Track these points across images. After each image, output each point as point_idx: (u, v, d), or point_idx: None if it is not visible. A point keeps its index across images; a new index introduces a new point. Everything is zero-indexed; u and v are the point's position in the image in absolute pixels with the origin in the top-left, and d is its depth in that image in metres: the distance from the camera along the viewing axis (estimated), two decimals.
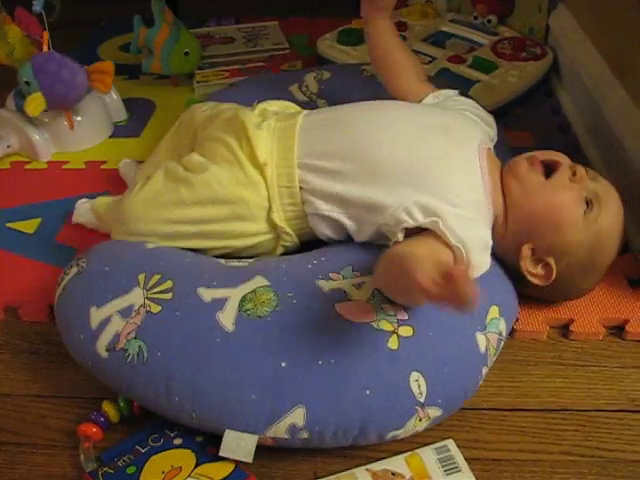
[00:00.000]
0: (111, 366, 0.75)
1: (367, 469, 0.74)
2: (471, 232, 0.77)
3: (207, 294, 0.77)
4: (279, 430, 0.70)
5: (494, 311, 0.81)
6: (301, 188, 0.84)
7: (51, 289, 0.85)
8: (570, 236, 0.81)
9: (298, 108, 0.97)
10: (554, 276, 0.83)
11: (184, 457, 0.73)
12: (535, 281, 0.84)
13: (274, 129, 0.87)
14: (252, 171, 0.84)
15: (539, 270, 0.84)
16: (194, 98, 1.46)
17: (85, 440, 0.76)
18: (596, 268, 0.85)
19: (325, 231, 0.86)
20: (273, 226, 0.86)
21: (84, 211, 1.04)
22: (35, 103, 1.19)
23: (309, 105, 1.12)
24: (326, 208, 0.84)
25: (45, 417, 0.82)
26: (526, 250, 0.83)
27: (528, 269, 0.84)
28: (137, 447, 0.74)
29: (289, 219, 0.86)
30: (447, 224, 0.75)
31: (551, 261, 0.83)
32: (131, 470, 0.72)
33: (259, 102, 0.96)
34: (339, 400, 0.70)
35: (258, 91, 1.14)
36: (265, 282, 0.78)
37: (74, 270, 0.82)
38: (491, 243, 0.81)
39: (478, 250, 0.77)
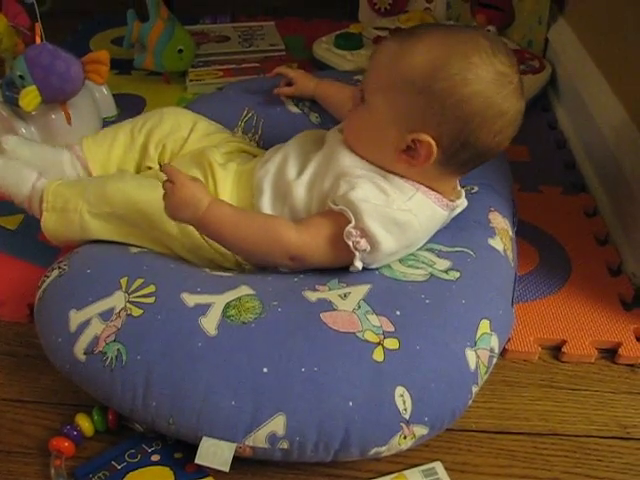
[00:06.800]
0: (89, 370, 0.73)
1: None
2: (363, 197, 0.76)
3: (191, 299, 0.75)
4: (258, 439, 0.68)
5: (484, 326, 0.78)
6: None
7: (32, 288, 0.82)
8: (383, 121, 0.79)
9: (253, 150, 1.02)
10: (432, 141, 0.75)
11: (162, 475, 0.71)
12: (425, 157, 0.77)
13: (235, 172, 0.91)
14: None
15: (420, 149, 0.77)
16: (186, 97, 1.44)
17: (56, 457, 0.73)
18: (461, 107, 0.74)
19: None
20: (237, 262, 0.87)
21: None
22: (30, 97, 1.16)
23: (301, 118, 1.09)
24: None
25: (22, 423, 0.79)
26: (399, 156, 0.78)
27: (411, 159, 0.78)
28: (113, 463, 0.72)
29: None
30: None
31: (414, 136, 0.76)
32: None
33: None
34: (321, 409, 0.68)
35: (248, 97, 1.12)
36: (251, 291, 0.76)
37: (55, 273, 0.80)
38: (399, 216, 0.77)
39: (374, 215, 0.75)
